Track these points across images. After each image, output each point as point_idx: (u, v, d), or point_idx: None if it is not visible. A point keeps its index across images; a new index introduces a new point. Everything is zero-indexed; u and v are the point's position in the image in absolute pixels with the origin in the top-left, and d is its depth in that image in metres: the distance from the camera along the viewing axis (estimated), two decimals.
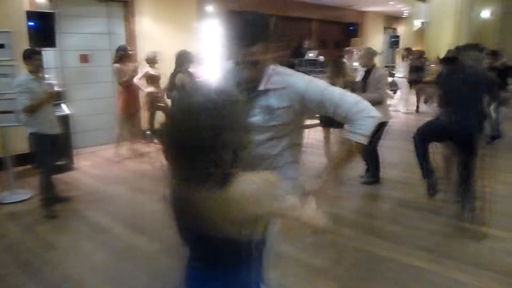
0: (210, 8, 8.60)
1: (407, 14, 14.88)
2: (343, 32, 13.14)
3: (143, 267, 3.29)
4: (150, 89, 6.76)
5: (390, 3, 12.05)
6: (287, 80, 1.78)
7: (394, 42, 14.54)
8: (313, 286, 3.05)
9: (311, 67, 9.46)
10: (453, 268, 3.21)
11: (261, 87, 1.76)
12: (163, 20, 7.61)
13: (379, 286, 3.06)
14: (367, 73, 4.85)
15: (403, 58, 11.68)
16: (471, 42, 17.25)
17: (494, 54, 7.61)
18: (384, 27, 15.30)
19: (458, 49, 4.38)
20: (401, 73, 11.21)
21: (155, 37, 7.41)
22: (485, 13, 22.85)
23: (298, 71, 1.93)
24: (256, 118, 1.74)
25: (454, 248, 3.53)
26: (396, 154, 6.11)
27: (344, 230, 3.84)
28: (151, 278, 3.14)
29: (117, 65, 6.23)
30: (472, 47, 4.37)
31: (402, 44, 14.88)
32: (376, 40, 14.50)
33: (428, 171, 4.24)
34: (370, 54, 4.95)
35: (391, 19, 15.44)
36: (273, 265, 1.55)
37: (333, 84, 2.00)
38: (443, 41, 16.13)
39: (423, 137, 4.26)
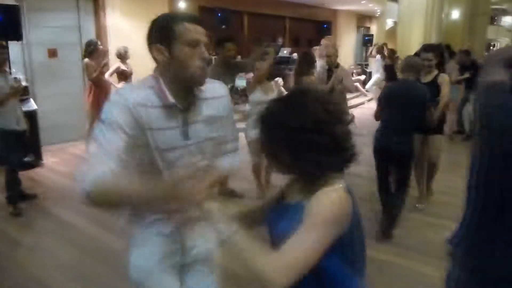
0: (182, 4, 8.53)
1: (379, 13, 15.11)
2: (316, 30, 13.26)
3: (111, 265, 3.25)
4: (122, 84, 6.66)
5: (362, 2, 12.23)
6: (222, 89, 1.64)
7: (367, 40, 14.77)
8: None
9: (285, 65, 9.51)
10: (418, 260, 3.31)
11: (201, 94, 1.51)
12: (134, 15, 7.50)
13: None
14: (330, 71, 4.92)
15: (371, 53, 12.05)
16: (441, 41, 17.62)
17: (467, 53, 7.85)
18: (357, 26, 15.51)
19: (421, 48, 4.41)
20: (374, 70, 11.52)
21: (126, 32, 7.31)
22: (455, 14, 23.49)
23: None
24: (198, 129, 1.50)
25: (419, 241, 3.63)
26: (362, 149, 6.21)
27: None
28: (119, 276, 3.11)
29: (87, 60, 6.11)
30: (432, 47, 4.38)
31: (376, 42, 15.14)
32: (349, 38, 14.71)
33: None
34: (337, 52, 5.04)
35: (364, 18, 15.67)
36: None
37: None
38: (414, 41, 16.45)
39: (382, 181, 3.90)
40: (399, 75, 4.38)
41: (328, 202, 1.12)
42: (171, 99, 1.42)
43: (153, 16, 1.47)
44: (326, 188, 1.14)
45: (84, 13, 7.14)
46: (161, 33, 1.40)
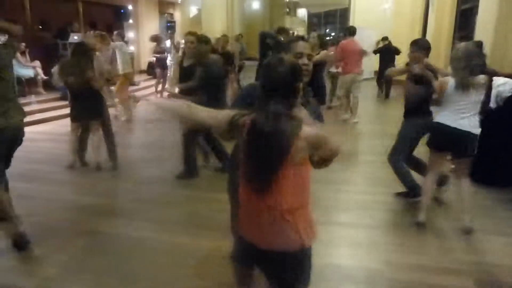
0: None
1: (181, 0, 15.28)
2: (115, 15, 12.75)
3: None
4: None
5: None
6: None
7: (170, 27, 14.78)
8: (31, 275, 2.88)
9: None
10: (178, 233, 3.44)
11: None
12: None
13: (102, 260, 3.04)
14: None
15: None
16: (244, 30, 18.63)
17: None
18: (160, 12, 15.41)
19: None
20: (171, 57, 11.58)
21: None
22: (255, 4, 25.33)
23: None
24: None
25: (181, 215, 3.81)
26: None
27: (81, 216, 3.78)
28: None
29: None
30: None
31: (180, 29, 15.26)
32: (152, 24, 14.53)
33: None
34: None
35: (167, 5, 15.66)
36: None
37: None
38: (217, 29, 17.19)
39: None
40: None
41: None
42: None
43: None
44: None
45: None
46: None
